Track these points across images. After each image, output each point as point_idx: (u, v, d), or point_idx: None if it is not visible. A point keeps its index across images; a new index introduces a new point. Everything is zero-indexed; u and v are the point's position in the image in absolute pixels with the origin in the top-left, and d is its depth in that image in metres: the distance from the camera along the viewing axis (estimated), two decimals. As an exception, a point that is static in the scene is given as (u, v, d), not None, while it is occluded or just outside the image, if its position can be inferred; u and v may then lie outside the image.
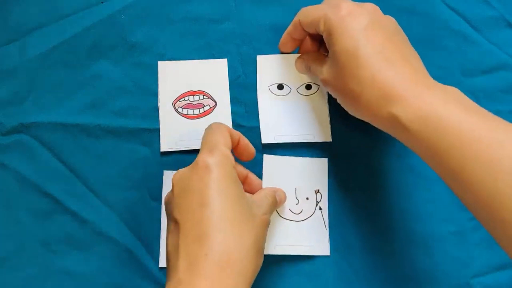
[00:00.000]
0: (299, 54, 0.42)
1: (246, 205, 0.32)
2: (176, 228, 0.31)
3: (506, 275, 0.40)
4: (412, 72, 0.31)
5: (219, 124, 0.35)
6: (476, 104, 0.30)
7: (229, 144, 0.34)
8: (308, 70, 0.40)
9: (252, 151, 0.37)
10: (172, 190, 0.32)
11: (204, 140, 0.34)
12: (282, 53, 0.43)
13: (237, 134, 0.36)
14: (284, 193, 0.40)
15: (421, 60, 0.34)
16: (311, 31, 0.38)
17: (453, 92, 0.31)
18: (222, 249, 0.29)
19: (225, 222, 0.30)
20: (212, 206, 0.30)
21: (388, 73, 0.31)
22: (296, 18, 0.38)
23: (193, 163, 0.32)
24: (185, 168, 0.33)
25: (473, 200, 0.28)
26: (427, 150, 0.29)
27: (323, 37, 0.35)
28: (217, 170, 0.31)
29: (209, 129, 0.35)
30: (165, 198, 0.34)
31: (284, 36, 0.41)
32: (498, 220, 0.26)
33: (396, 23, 0.35)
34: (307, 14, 0.37)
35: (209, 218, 0.29)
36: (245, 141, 0.37)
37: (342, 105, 0.36)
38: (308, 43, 0.41)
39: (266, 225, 0.34)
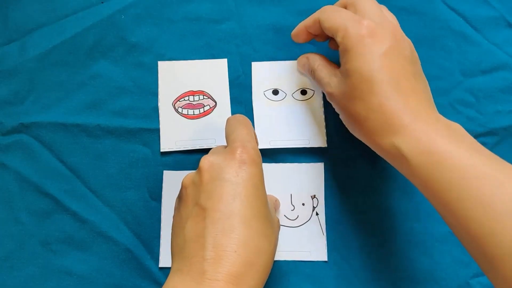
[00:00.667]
0: (295, 61, 0.42)
1: (269, 208, 0.32)
2: (201, 214, 0.29)
3: (506, 275, 0.40)
4: (420, 104, 0.32)
5: (246, 119, 0.35)
6: (478, 143, 0.30)
7: (256, 141, 0.34)
8: (311, 74, 0.39)
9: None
10: (200, 175, 0.31)
11: (235, 133, 0.33)
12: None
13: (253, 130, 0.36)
14: (279, 201, 0.40)
15: (429, 89, 0.34)
16: (328, 34, 0.36)
17: (457, 128, 0.31)
18: (251, 248, 0.28)
19: (257, 221, 0.29)
20: (246, 202, 0.29)
21: (397, 104, 0.31)
22: (316, 15, 0.37)
23: (227, 154, 0.31)
24: (213, 156, 0.31)
25: (466, 236, 0.28)
26: (426, 183, 0.30)
27: (339, 49, 0.34)
28: (252, 168, 0.30)
29: (238, 122, 0.34)
30: (185, 180, 0.32)
31: (300, 27, 0.39)
32: (489, 257, 0.27)
33: (413, 48, 0.35)
34: (327, 17, 0.35)
35: (242, 213, 0.29)
36: (256, 138, 0.37)
37: (344, 122, 0.36)
38: (323, 36, 0.39)
39: (279, 229, 0.34)
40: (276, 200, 0.40)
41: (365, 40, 0.32)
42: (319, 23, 0.36)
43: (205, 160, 0.31)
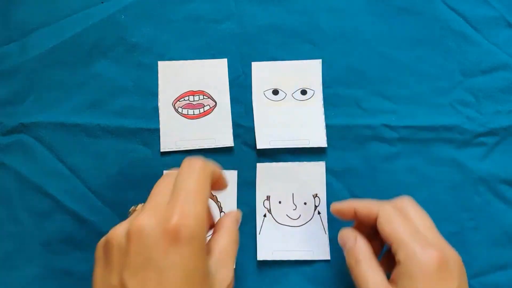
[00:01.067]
0: (296, 61, 0.42)
1: (210, 283, 0.27)
2: None
3: (506, 275, 0.40)
4: None
5: (206, 165, 0.29)
6: None
7: (208, 199, 0.28)
8: (349, 261, 0.33)
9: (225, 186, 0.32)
10: (128, 242, 0.26)
11: (181, 186, 0.27)
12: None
13: (219, 176, 0.30)
14: (238, 212, 0.33)
15: None
16: (383, 237, 0.32)
17: None
18: None
19: None
20: None
21: None
22: (374, 208, 0.33)
23: (160, 220, 0.25)
24: (147, 217, 0.26)
25: None
26: None
27: (398, 266, 0.31)
28: (187, 248, 0.25)
29: (191, 170, 0.28)
30: (113, 234, 0.27)
31: (349, 207, 0.35)
32: None
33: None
34: (388, 221, 0.32)
35: None
36: (224, 181, 0.32)
37: None
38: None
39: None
40: (236, 214, 0.33)
41: (434, 272, 0.29)
42: (375, 218, 0.33)
43: (136, 223, 0.26)
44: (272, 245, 0.40)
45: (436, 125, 0.41)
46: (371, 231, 0.35)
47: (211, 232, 0.30)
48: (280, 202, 0.41)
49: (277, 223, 0.40)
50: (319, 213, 0.40)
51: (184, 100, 0.42)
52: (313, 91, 0.42)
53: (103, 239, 0.29)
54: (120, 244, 0.27)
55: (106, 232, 0.40)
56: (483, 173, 0.41)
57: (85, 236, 0.40)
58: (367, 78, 0.42)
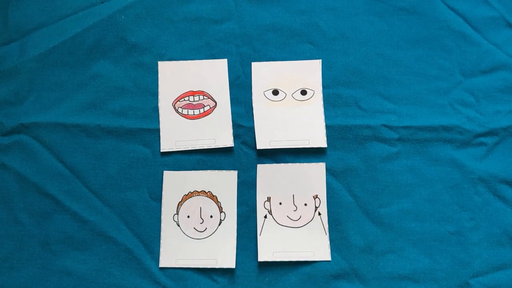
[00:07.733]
0: (295, 61, 0.42)
1: None
2: None
3: (505, 275, 0.40)
4: None
5: None
6: None
7: None
8: None
9: None
10: None
11: None
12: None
13: None
14: None
15: None
16: None
17: None
18: None
19: None
20: None
21: None
22: None
23: None
24: None
25: None
26: None
27: None
28: None
29: None
30: None
31: None
32: None
33: None
34: None
35: None
36: None
37: None
38: None
39: None
40: None
41: None
42: None
43: None
44: (273, 246, 0.40)
45: (436, 125, 0.42)
46: None
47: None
48: (280, 203, 0.41)
49: (277, 224, 0.40)
50: (319, 214, 0.40)
51: (184, 100, 0.42)
52: (313, 91, 0.42)
53: None
54: None
55: (106, 232, 0.40)
56: (483, 173, 0.41)
57: (85, 236, 0.40)
58: (367, 78, 0.42)
